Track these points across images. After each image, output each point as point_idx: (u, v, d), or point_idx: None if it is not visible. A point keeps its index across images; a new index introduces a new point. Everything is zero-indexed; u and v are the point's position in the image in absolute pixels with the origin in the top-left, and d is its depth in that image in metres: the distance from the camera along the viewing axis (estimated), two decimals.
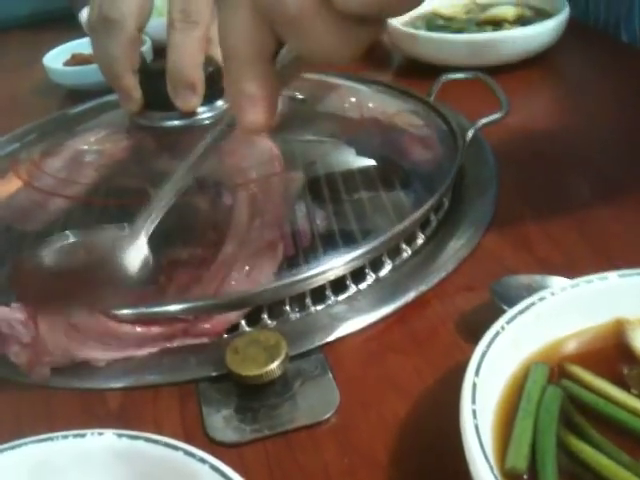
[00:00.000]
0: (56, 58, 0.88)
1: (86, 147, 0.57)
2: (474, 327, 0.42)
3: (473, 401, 0.31)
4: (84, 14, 1.01)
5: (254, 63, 0.31)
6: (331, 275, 0.46)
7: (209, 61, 0.55)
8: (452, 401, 0.33)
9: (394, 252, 0.50)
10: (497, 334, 0.35)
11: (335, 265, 0.46)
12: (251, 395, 0.41)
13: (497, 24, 0.82)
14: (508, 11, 0.83)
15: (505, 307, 0.38)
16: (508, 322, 0.35)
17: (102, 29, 0.51)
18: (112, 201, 0.52)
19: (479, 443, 0.30)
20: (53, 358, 0.44)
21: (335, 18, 0.27)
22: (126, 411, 0.42)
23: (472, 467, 0.29)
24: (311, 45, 0.28)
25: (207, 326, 0.45)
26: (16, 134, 0.69)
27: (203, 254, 0.48)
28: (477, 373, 0.33)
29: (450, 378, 0.40)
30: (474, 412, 0.31)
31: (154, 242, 0.43)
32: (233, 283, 0.45)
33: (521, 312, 0.36)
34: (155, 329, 0.44)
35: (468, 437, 0.30)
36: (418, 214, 0.50)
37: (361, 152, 0.56)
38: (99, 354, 0.44)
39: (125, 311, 0.44)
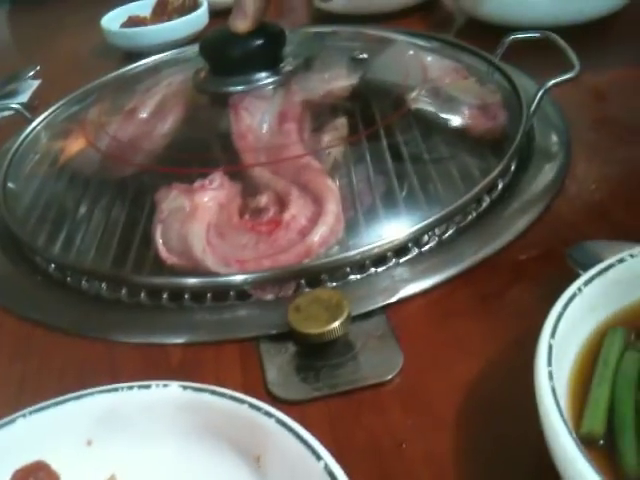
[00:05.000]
0: (113, 20, 0.89)
1: (149, 110, 0.57)
2: (544, 292, 0.40)
3: (549, 363, 0.30)
4: None
5: None
6: (394, 243, 0.46)
7: (272, 28, 0.55)
8: (522, 365, 0.32)
9: (459, 215, 0.48)
10: (574, 296, 0.33)
11: (398, 236, 0.45)
12: (313, 354, 0.40)
13: None
14: None
15: (581, 272, 0.37)
16: (585, 284, 0.34)
17: None
18: (175, 168, 0.52)
19: (556, 405, 0.28)
20: None
21: None
22: (187, 366, 0.42)
23: (549, 430, 0.28)
24: None
25: None
26: (76, 96, 0.69)
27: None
28: (553, 335, 0.31)
29: (520, 342, 0.38)
30: (550, 374, 0.30)
31: None
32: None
33: (599, 274, 0.34)
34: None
35: (544, 399, 0.29)
36: (486, 181, 0.49)
37: (423, 114, 0.55)
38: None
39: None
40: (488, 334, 0.40)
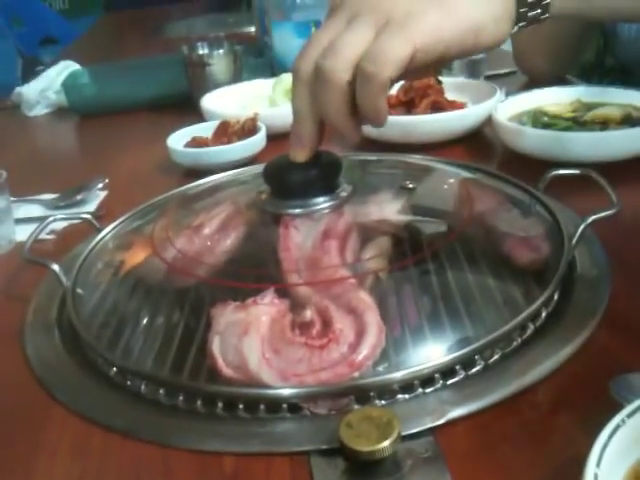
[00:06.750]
0: (178, 140, 0.96)
1: (213, 227, 0.61)
2: (587, 422, 0.42)
3: None
4: (205, 101, 1.10)
5: (305, 121, 0.54)
6: (442, 365, 0.48)
7: (329, 154, 0.60)
8: None
9: (504, 341, 0.50)
10: (617, 427, 0.35)
11: (445, 358, 0.48)
12: (362, 471, 0.42)
13: (603, 124, 0.83)
14: (615, 111, 0.85)
15: (625, 403, 0.38)
16: (629, 416, 0.35)
17: (314, 78, 0.52)
18: (232, 283, 0.55)
19: None
20: None
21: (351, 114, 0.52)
22: (240, 476, 0.44)
23: None
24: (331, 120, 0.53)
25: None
26: (142, 209, 0.74)
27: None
28: (598, 464, 0.33)
29: (564, 471, 0.40)
30: None
31: None
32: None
33: None
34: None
35: None
36: (531, 309, 0.52)
37: (469, 242, 0.58)
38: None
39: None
40: (533, 461, 0.41)
